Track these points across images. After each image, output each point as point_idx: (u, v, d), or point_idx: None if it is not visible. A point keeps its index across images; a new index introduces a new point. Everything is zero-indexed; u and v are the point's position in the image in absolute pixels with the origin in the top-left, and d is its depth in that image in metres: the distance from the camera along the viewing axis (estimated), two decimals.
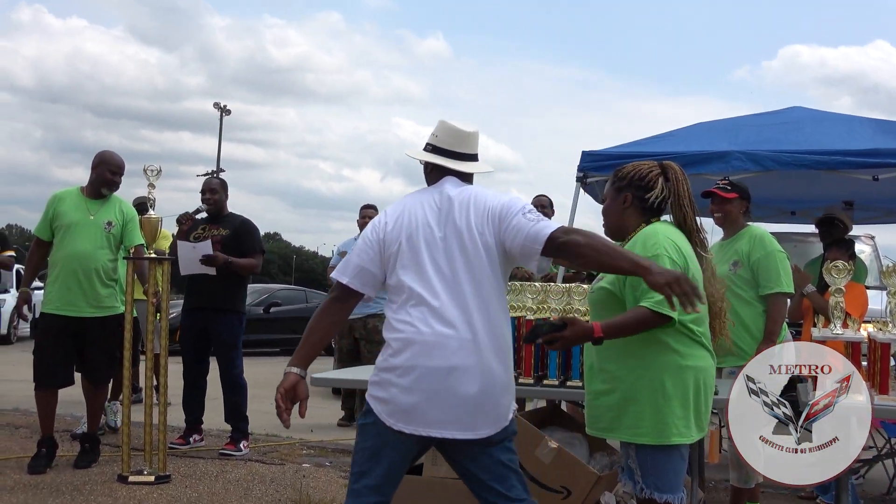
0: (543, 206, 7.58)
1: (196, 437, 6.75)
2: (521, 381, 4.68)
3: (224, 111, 42.73)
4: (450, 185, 3.15)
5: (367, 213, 8.18)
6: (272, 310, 17.32)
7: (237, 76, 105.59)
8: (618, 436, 3.20)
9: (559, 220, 7.60)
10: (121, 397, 6.33)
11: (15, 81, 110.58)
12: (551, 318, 3.10)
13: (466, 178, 3.23)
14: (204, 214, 6.74)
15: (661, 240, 3.15)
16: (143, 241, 5.88)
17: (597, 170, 7.09)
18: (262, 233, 7.09)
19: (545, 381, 4.60)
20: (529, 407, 6.67)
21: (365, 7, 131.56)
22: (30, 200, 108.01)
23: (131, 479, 5.50)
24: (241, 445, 6.55)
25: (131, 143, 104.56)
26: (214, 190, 6.78)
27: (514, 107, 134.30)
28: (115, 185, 5.98)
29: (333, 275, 3.12)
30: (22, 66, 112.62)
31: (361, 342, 8.04)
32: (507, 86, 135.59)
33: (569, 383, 4.53)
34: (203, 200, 6.68)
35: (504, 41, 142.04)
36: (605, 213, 3.42)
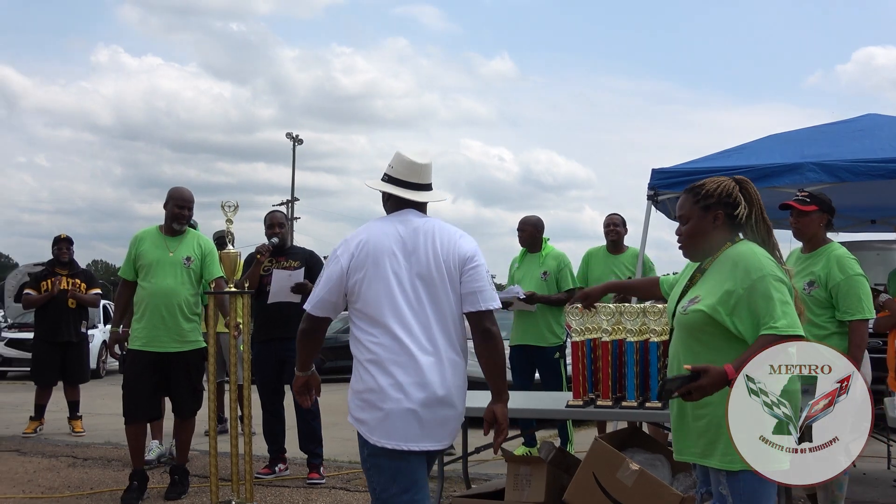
0: (616, 224, 7.55)
1: (281, 466, 6.87)
2: (599, 403, 4.69)
3: (296, 141, 43.34)
4: (413, 216, 3.43)
5: None
6: None
7: (308, 105, 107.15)
8: (711, 462, 3.07)
9: (632, 236, 7.60)
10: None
11: (95, 121, 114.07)
12: (684, 369, 3.05)
13: (421, 206, 3.49)
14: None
15: (763, 261, 3.05)
16: (222, 274, 6.03)
17: (667, 187, 7.06)
18: None
19: (624, 403, 4.59)
20: (610, 429, 6.65)
21: (430, 31, 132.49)
22: (113, 236, 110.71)
23: None
24: (321, 471, 6.66)
25: (208, 175, 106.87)
26: (282, 224, 6.98)
27: (583, 123, 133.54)
28: (184, 219, 6.16)
29: (312, 310, 3.39)
30: (101, 105, 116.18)
31: None
32: (576, 102, 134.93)
33: (648, 404, 4.52)
34: (273, 234, 6.85)
35: (572, 57, 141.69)
36: (692, 234, 3.24)
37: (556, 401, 5.23)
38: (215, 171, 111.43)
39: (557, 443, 6.91)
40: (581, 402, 4.73)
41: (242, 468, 5.76)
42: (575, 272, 7.51)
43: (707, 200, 3.20)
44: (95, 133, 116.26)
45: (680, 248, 3.32)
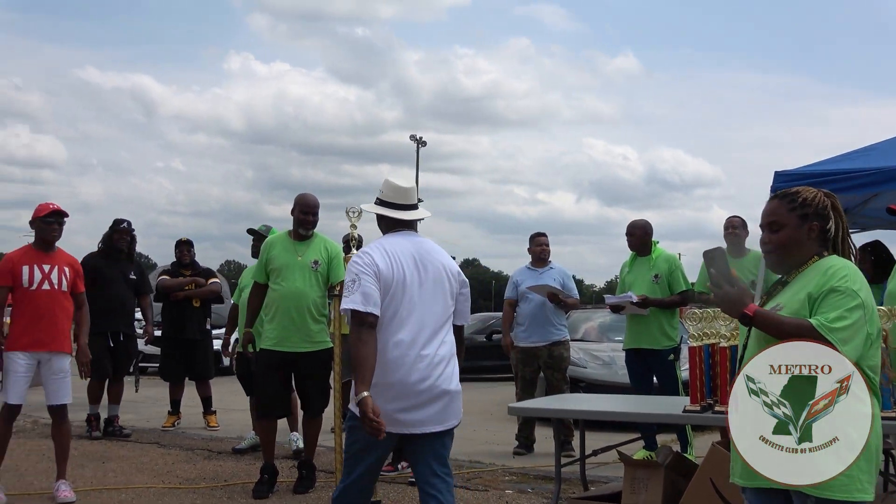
0: (735, 226, 7.46)
1: (404, 463, 7.05)
2: (717, 408, 4.70)
3: (420, 142, 43.82)
4: (416, 236, 4.02)
5: (541, 240, 8.28)
6: (494, 336, 17.40)
7: (431, 107, 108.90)
8: (797, 486, 2.84)
9: (756, 237, 7.47)
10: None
11: (228, 126, 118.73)
12: (732, 271, 3.08)
13: (411, 224, 4.04)
14: None
15: (862, 284, 2.91)
16: None
17: None
18: (460, 259, 7.40)
19: None
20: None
21: (553, 31, 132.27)
22: (245, 237, 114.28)
23: None
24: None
25: (335, 177, 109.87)
26: None
27: (711, 120, 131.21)
28: (310, 224, 6.40)
29: (367, 309, 3.69)
30: (233, 111, 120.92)
31: (546, 370, 7.81)
32: (704, 99, 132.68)
33: None
34: None
35: (697, 53, 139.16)
36: (785, 243, 3.07)
37: (673, 405, 5.25)
38: (341, 174, 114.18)
39: (677, 447, 6.90)
40: (699, 408, 4.74)
41: None
42: (689, 276, 7.48)
43: (805, 209, 3.06)
44: (228, 138, 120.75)
45: (766, 256, 3.17)
